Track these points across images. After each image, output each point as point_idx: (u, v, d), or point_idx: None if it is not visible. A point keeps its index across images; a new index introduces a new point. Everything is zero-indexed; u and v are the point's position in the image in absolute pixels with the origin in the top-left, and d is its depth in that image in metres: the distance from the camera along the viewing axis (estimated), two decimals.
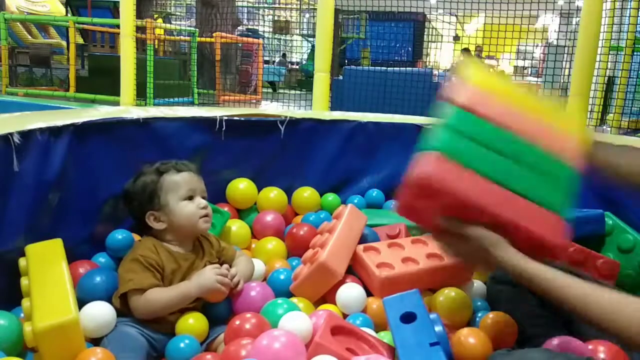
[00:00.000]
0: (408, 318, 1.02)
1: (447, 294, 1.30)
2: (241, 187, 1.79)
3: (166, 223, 1.28)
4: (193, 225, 1.28)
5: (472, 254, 0.94)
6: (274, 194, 1.81)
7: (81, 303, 1.15)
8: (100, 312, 1.15)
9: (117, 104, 4.11)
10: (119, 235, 1.49)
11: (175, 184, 1.29)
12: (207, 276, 1.21)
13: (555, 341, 0.99)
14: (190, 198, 1.29)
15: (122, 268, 1.23)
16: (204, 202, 1.30)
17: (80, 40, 8.47)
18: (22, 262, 1.23)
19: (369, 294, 1.35)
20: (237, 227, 1.67)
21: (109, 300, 1.22)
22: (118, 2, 4.23)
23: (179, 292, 1.20)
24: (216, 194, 1.73)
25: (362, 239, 1.50)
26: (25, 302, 1.11)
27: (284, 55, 14.57)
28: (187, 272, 1.26)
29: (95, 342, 1.14)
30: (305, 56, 13.55)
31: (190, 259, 1.29)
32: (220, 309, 1.28)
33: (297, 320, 1.08)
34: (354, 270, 1.43)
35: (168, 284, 1.23)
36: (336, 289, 1.32)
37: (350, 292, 1.30)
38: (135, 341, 1.14)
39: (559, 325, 1.11)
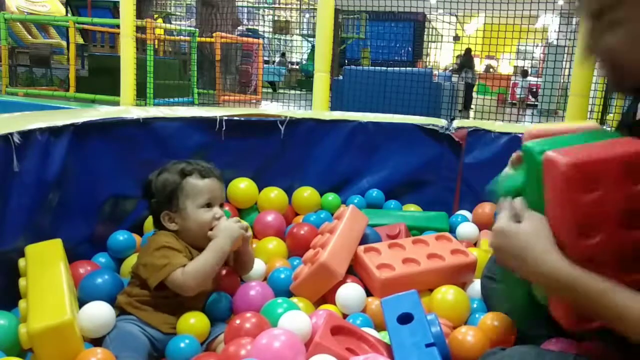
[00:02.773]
0: (405, 319, 1.02)
1: (445, 293, 1.30)
2: (242, 186, 1.79)
3: (179, 225, 1.27)
4: (203, 234, 1.25)
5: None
6: (274, 194, 1.81)
7: (83, 304, 1.15)
8: (98, 313, 1.14)
9: (117, 104, 4.10)
10: (120, 236, 1.50)
11: (196, 190, 1.27)
12: (232, 228, 1.24)
13: (552, 342, 0.99)
14: (209, 206, 1.28)
15: (149, 258, 1.20)
16: (220, 213, 1.28)
17: (80, 40, 8.47)
18: (21, 262, 1.23)
19: (368, 293, 1.35)
20: None
21: (110, 301, 1.22)
22: (118, 2, 4.23)
23: (214, 251, 1.20)
24: None
25: (365, 239, 1.50)
26: (22, 303, 1.11)
27: (283, 55, 14.57)
28: None
29: (96, 341, 1.13)
30: (305, 56, 13.55)
31: None
32: (220, 309, 1.28)
33: (296, 320, 1.09)
34: (355, 271, 1.43)
35: None
36: (336, 289, 1.32)
37: (350, 292, 1.30)
38: (137, 340, 1.14)
39: (557, 327, 1.10)
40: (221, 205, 1.31)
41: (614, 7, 0.77)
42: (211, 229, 1.26)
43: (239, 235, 1.24)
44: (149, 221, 1.63)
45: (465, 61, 9.49)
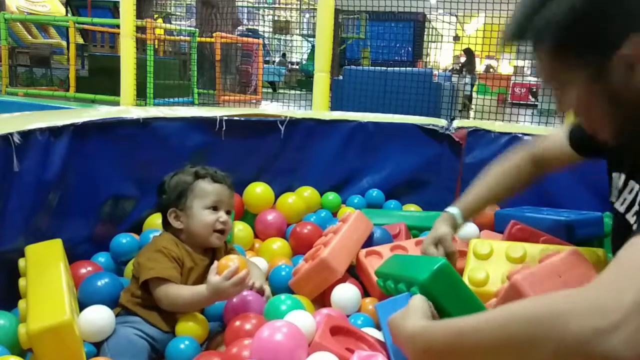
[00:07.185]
0: None
1: None
2: (258, 191, 1.80)
3: (183, 224, 1.29)
4: (206, 236, 1.27)
5: None
6: (292, 199, 1.82)
7: (84, 307, 1.15)
8: (98, 316, 1.13)
9: (117, 104, 4.11)
10: (123, 239, 1.49)
11: (205, 192, 1.30)
12: (224, 291, 1.13)
13: None
14: (215, 209, 1.30)
15: (143, 257, 1.22)
16: (225, 217, 1.30)
17: (80, 40, 8.47)
18: (21, 262, 1.23)
19: (365, 294, 1.34)
20: (239, 229, 1.68)
21: (111, 304, 1.22)
22: (118, 2, 4.24)
23: (197, 297, 1.16)
24: None
25: (372, 238, 1.50)
26: (21, 303, 1.11)
27: (283, 55, 14.57)
28: (202, 274, 1.25)
29: (96, 342, 1.13)
30: (305, 56, 13.55)
31: (205, 261, 1.29)
32: (215, 312, 1.27)
33: (300, 318, 1.08)
34: (358, 275, 1.42)
35: (185, 280, 1.23)
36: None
37: (344, 293, 1.29)
38: (135, 346, 1.13)
39: None
40: (228, 213, 1.32)
41: (554, 75, 0.87)
42: (218, 231, 1.28)
43: (225, 296, 1.17)
44: (149, 221, 1.63)
45: (469, 62, 9.49)
